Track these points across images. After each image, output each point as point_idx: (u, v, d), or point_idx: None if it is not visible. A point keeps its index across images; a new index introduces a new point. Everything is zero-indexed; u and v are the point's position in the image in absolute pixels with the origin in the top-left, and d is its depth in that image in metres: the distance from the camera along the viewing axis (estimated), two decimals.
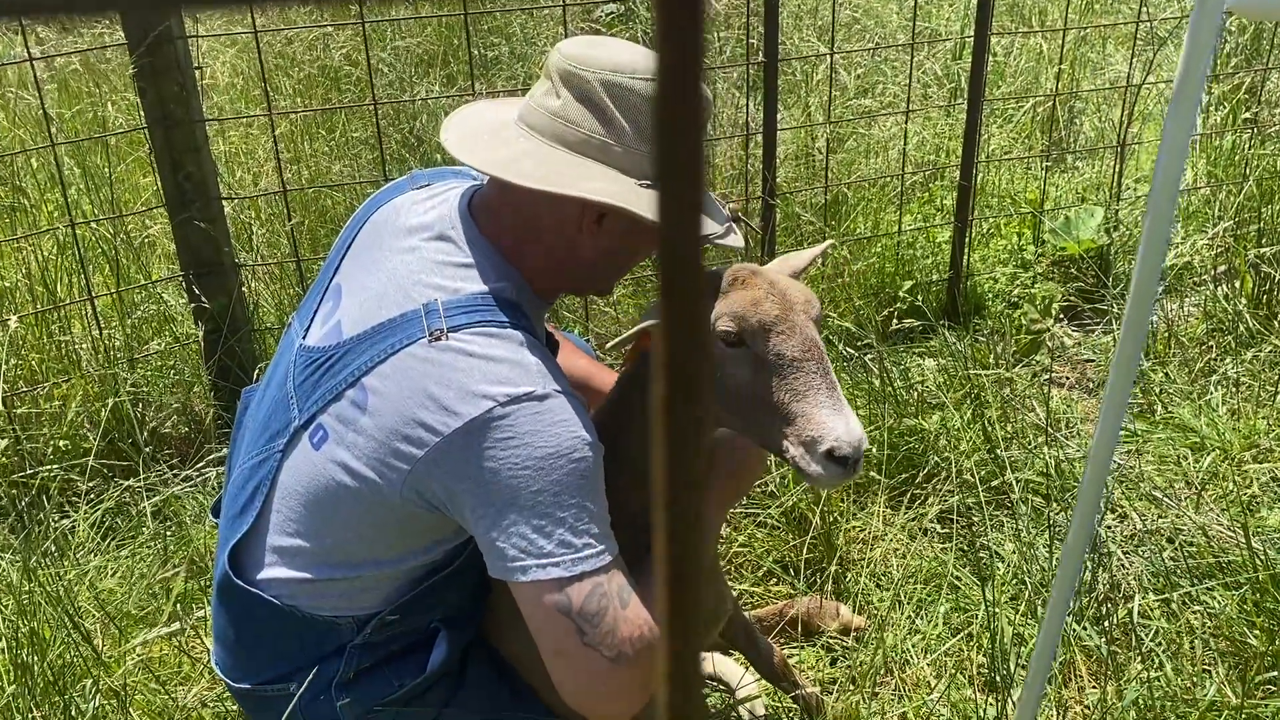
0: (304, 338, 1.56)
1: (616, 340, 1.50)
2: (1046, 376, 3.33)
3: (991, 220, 3.91)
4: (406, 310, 1.43)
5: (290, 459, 1.50)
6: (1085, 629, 2.26)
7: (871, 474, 2.69)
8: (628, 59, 1.46)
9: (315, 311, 1.59)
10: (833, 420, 1.39)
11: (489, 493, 1.37)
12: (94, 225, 3.28)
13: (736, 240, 1.55)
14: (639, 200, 1.42)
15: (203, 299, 2.93)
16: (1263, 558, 2.25)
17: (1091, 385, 3.38)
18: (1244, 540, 2.28)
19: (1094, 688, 2.17)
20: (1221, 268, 3.77)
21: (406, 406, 1.38)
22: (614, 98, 1.44)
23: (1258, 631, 2.14)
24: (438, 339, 1.38)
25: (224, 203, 2.98)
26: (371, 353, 1.42)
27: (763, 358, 1.44)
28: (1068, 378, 3.45)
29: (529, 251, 1.54)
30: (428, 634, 1.66)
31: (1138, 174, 4.39)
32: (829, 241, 1.90)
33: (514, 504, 1.36)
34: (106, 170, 3.29)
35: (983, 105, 3.47)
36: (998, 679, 2.15)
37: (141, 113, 2.82)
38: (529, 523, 1.36)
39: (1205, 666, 2.16)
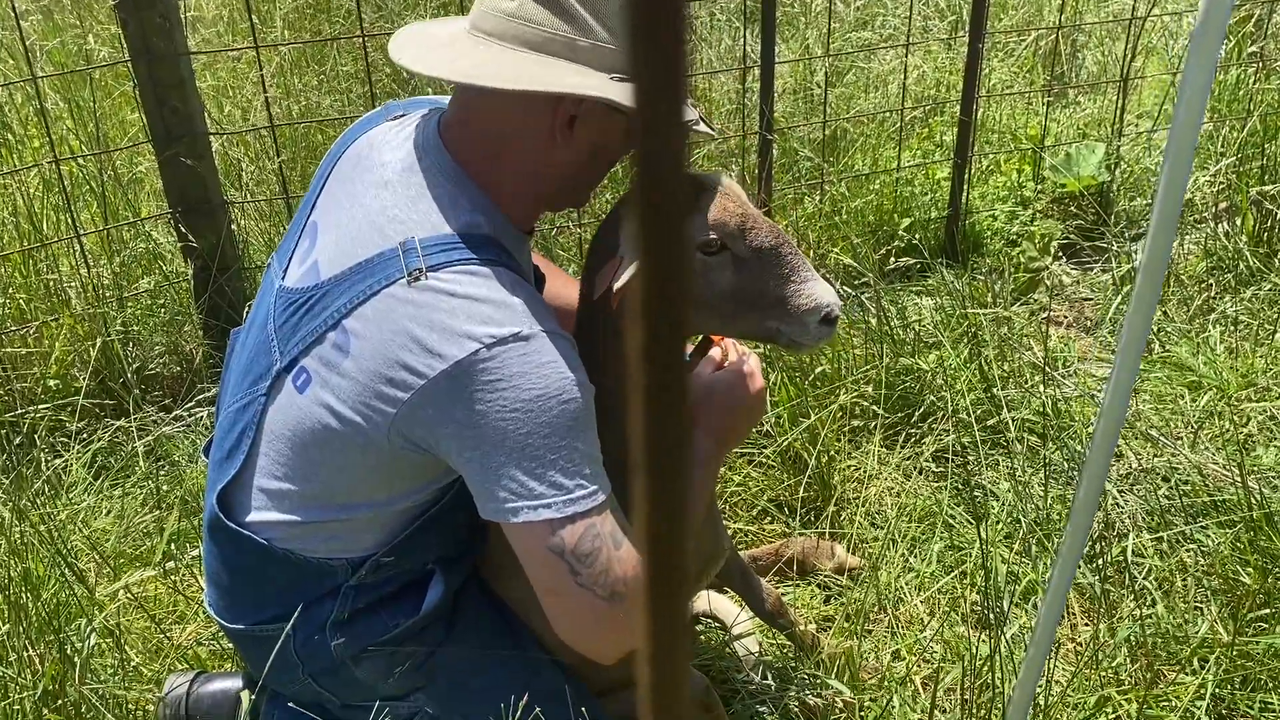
0: (283, 278, 1.52)
1: (606, 278, 1.47)
2: (1044, 315, 3.31)
3: (991, 157, 3.86)
4: (384, 249, 1.39)
5: (274, 402, 1.47)
6: (1080, 568, 2.26)
7: (871, 410, 2.68)
8: None
9: (293, 251, 1.55)
10: (819, 288, 1.50)
11: (477, 436, 1.35)
12: (80, 162, 3.22)
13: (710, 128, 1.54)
14: (616, 91, 1.37)
15: (191, 238, 2.89)
16: (1257, 496, 2.25)
17: (1089, 324, 3.36)
18: (1239, 479, 2.28)
19: (1087, 625, 2.18)
20: (1223, 205, 3.73)
21: (389, 349, 1.36)
22: None
23: (1250, 569, 2.15)
24: (418, 279, 1.35)
25: (211, 139, 2.93)
26: (351, 294, 1.39)
27: (742, 257, 1.50)
28: (1065, 316, 3.42)
29: (501, 173, 1.49)
30: (423, 574, 1.66)
31: (1139, 110, 4.33)
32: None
33: (503, 446, 1.34)
34: (92, 104, 3.23)
35: (984, 39, 3.40)
36: (991, 616, 2.16)
37: (124, 45, 2.75)
38: (519, 465, 1.35)
39: (1198, 604, 2.17)
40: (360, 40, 2.97)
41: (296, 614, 1.58)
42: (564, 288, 1.90)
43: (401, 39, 1.51)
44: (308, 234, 1.54)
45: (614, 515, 1.43)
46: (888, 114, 3.78)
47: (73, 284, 2.95)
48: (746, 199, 1.56)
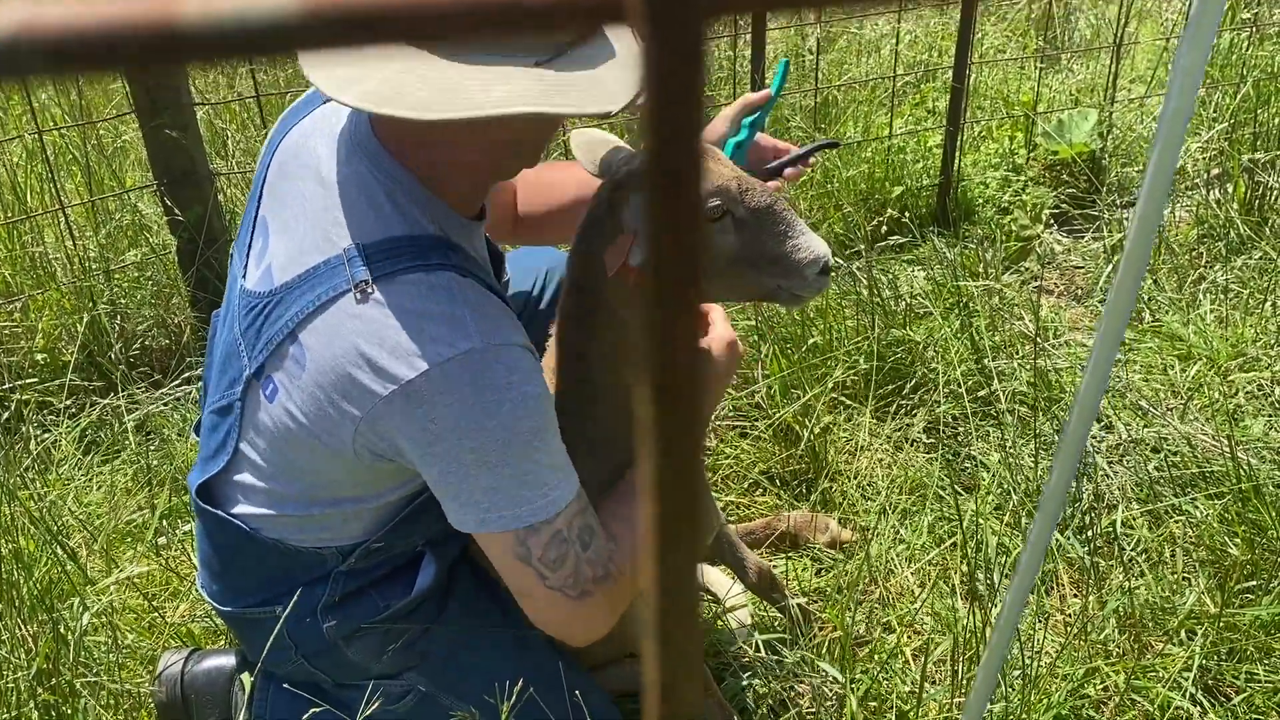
0: (244, 277, 1.50)
1: (619, 256, 1.45)
2: (1036, 284, 3.30)
3: (984, 124, 3.84)
4: (329, 256, 1.35)
5: (248, 406, 1.47)
6: (1069, 539, 2.28)
7: (862, 382, 2.68)
8: None
9: (249, 246, 1.52)
10: (813, 242, 1.52)
11: (436, 451, 1.34)
12: (63, 132, 3.18)
13: None
14: (546, 96, 1.25)
15: (177, 210, 2.86)
16: (1246, 468, 2.26)
17: (1080, 293, 3.36)
18: (1228, 450, 2.29)
19: (1076, 597, 2.20)
20: (1214, 171, 3.72)
21: (341, 365, 1.34)
22: None
23: (1239, 540, 2.16)
24: (365, 290, 1.33)
25: (196, 109, 2.89)
26: (300, 304, 1.37)
27: (742, 219, 1.51)
28: (1057, 285, 3.42)
29: (437, 161, 1.42)
30: (413, 556, 1.66)
31: (1133, 74, 4.30)
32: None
33: (462, 461, 1.34)
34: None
35: (977, 4, 3.37)
36: (981, 588, 2.18)
37: None
38: (480, 479, 1.35)
39: (1186, 574, 2.19)
40: None
41: (288, 598, 1.58)
42: (558, 173, 1.88)
43: None
44: (259, 231, 1.50)
45: (582, 515, 1.44)
46: (879, 80, 3.75)
47: (58, 257, 2.92)
48: (734, 162, 1.58)
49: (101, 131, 3.24)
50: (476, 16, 0.25)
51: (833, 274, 1.55)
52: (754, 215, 1.50)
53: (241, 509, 1.55)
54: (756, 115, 1.77)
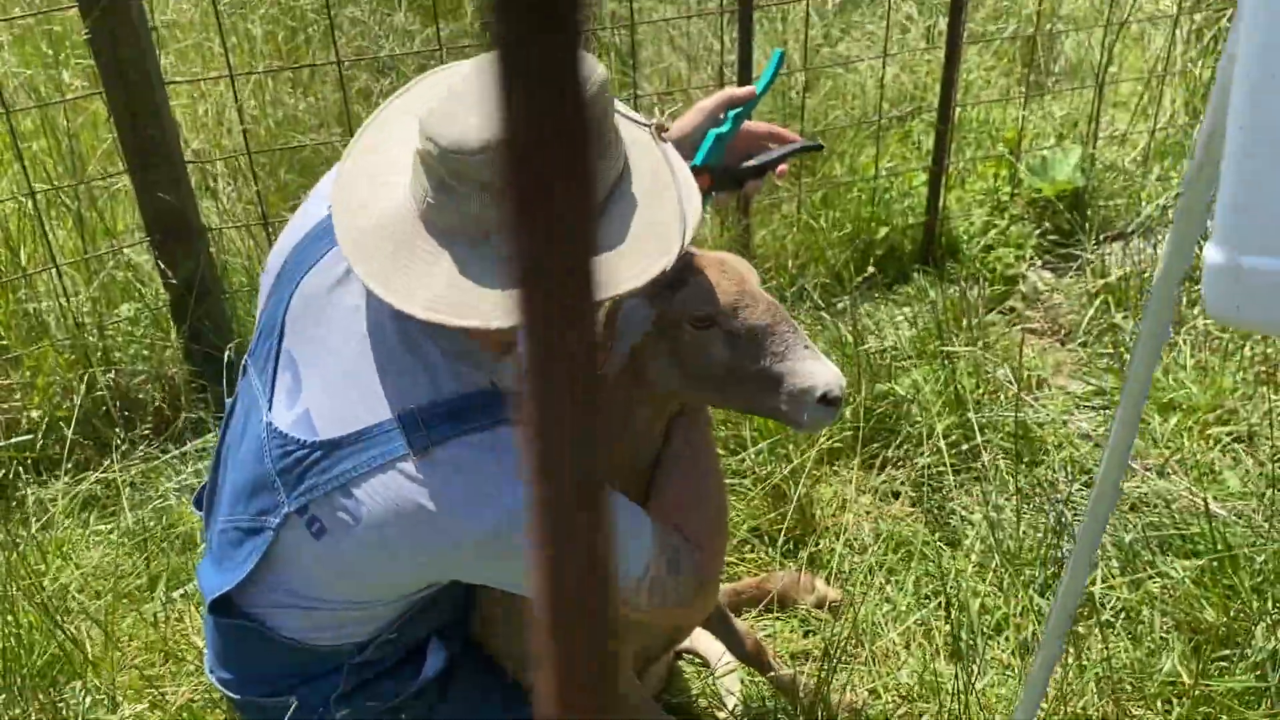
0: (269, 409, 1.49)
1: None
2: (1020, 327, 3.35)
3: (969, 157, 3.88)
4: (382, 420, 1.38)
5: (287, 536, 1.48)
6: (1049, 600, 2.33)
7: (850, 438, 2.72)
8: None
9: (274, 378, 1.52)
10: (817, 368, 1.50)
11: (513, 582, 1.48)
12: (55, 185, 3.20)
13: (693, 216, 1.39)
14: (626, 275, 1.30)
15: (169, 266, 2.89)
16: (1220, 530, 2.32)
17: (1064, 332, 3.41)
18: (1204, 510, 2.34)
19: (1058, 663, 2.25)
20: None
21: (403, 523, 1.38)
22: None
23: (1214, 604, 2.22)
24: (424, 454, 1.36)
25: (188, 160, 2.91)
26: (354, 461, 1.39)
27: (736, 333, 1.51)
28: (1040, 323, 3.47)
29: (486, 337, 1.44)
30: (421, 642, 1.71)
31: (1116, 99, 4.33)
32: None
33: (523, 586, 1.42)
34: (65, 126, 3.19)
35: (962, 46, 3.41)
36: (963, 648, 2.23)
37: (98, 75, 2.72)
38: None
39: (1164, 635, 2.24)
40: (337, 66, 2.95)
41: (301, 688, 1.63)
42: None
43: (341, 181, 1.40)
44: (285, 365, 1.50)
45: (663, 550, 1.53)
46: (864, 125, 3.79)
47: (50, 312, 2.94)
48: (750, 277, 1.57)
49: (93, 180, 3.26)
50: None
51: (845, 387, 1.52)
52: (750, 331, 1.50)
53: (260, 611, 1.58)
54: (741, 109, 1.67)
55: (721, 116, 1.66)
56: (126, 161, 2.81)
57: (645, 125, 1.43)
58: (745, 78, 3.30)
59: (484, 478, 1.37)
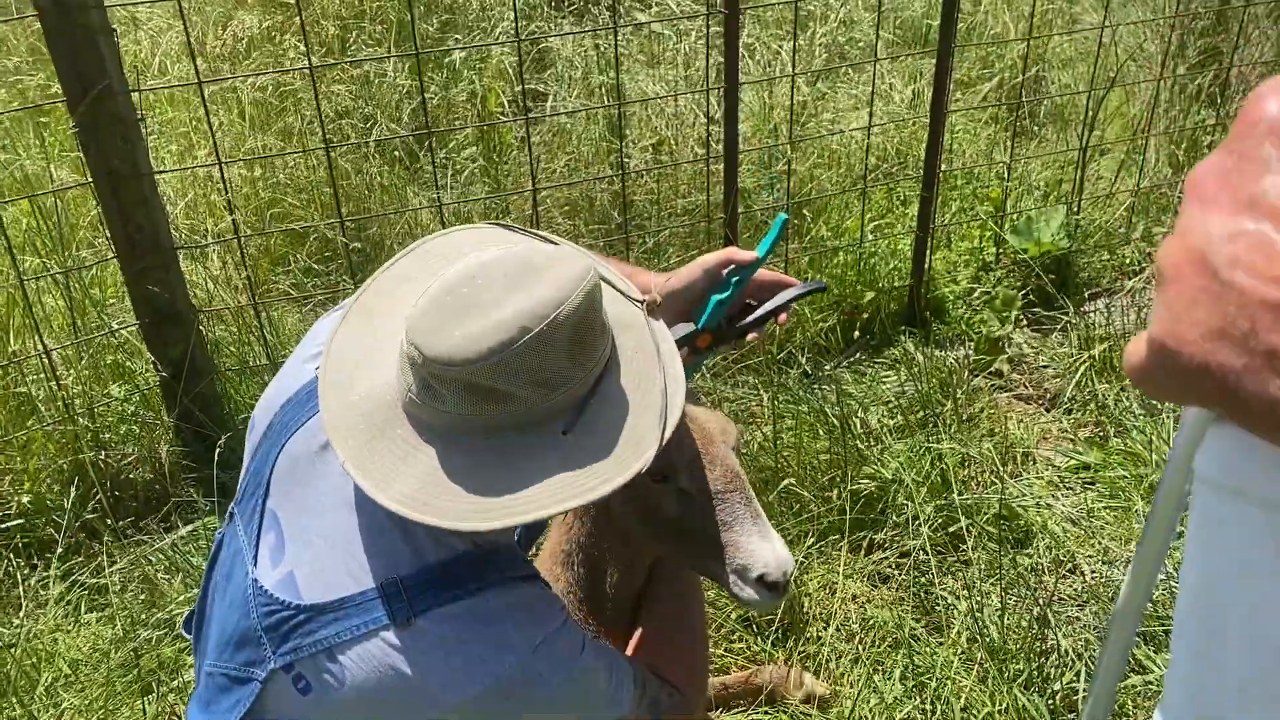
0: (254, 565, 1.51)
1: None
2: (1007, 394, 3.39)
3: (953, 214, 3.91)
4: (365, 589, 1.39)
5: (272, 689, 1.50)
6: (1031, 696, 2.36)
7: (837, 524, 2.75)
8: (490, 324, 1.25)
9: (259, 534, 1.54)
10: (761, 547, 1.45)
11: None
12: (46, 268, 3.20)
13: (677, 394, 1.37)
14: (593, 478, 1.30)
15: (159, 348, 2.90)
16: None
17: (1048, 396, 3.44)
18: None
19: None
20: None
21: (387, 692, 1.39)
22: (500, 377, 1.25)
23: None
24: (406, 625, 1.38)
25: (177, 246, 2.92)
26: (335, 629, 1.41)
27: (689, 491, 1.50)
28: (1026, 387, 3.50)
29: None
30: None
31: (1104, 143, 4.35)
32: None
33: None
34: (56, 212, 3.19)
35: (945, 117, 3.43)
36: None
37: (85, 168, 2.73)
38: None
39: None
40: (322, 144, 2.96)
41: None
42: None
43: (330, 367, 1.40)
44: (270, 523, 1.51)
45: (644, 695, 1.55)
46: (850, 191, 3.81)
47: (40, 395, 2.95)
48: (721, 438, 1.55)
49: (82, 260, 3.26)
50: None
51: (792, 570, 1.47)
52: (699, 494, 1.49)
53: None
54: (743, 274, 1.65)
55: (723, 275, 1.65)
56: (115, 250, 2.82)
57: (637, 303, 1.45)
58: (731, 147, 3.33)
59: (469, 646, 1.38)
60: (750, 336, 1.70)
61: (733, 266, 1.66)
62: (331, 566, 1.45)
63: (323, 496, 1.48)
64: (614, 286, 1.47)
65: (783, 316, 1.71)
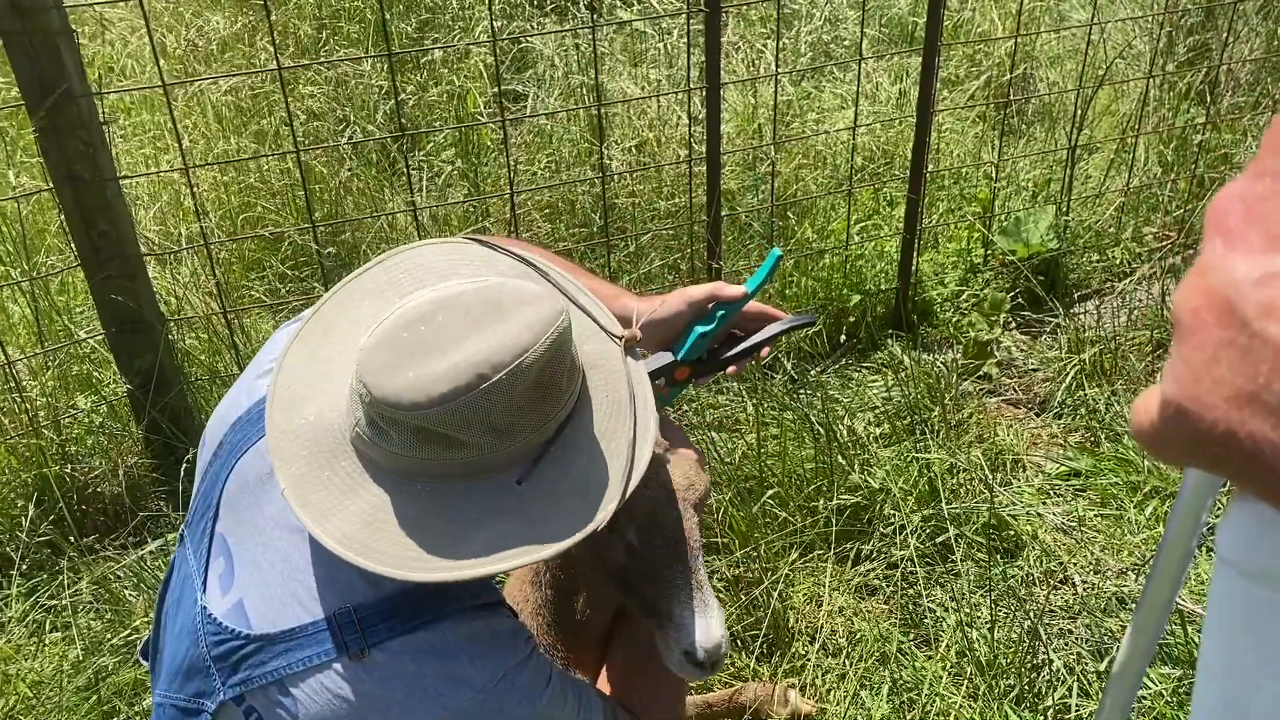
0: (204, 592, 1.45)
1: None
2: (996, 398, 3.32)
3: (941, 214, 3.85)
4: (316, 619, 1.33)
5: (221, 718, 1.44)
6: (1021, 712, 2.30)
7: (823, 536, 2.69)
8: (445, 368, 1.17)
9: (208, 560, 1.48)
10: (692, 622, 1.39)
11: None
12: (10, 276, 3.12)
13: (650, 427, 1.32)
14: (545, 528, 1.24)
15: (126, 358, 2.82)
16: (1198, 637, 2.29)
17: (1037, 400, 3.38)
18: (1180, 616, 2.32)
19: None
20: (1169, 260, 3.75)
21: None
22: (452, 424, 1.18)
23: (1188, 715, 2.19)
24: (359, 657, 1.31)
25: (144, 254, 2.84)
26: (286, 660, 1.34)
27: (634, 547, 1.44)
28: (1015, 390, 3.44)
29: None
30: None
31: (1091, 139, 4.30)
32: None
33: None
34: (19, 220, 3.11)
35: (932, 118, 3.37)
36: None
37: (46, 173, 2.65)
38: None
39: None
40: (295, 154, 2.88)
41: None
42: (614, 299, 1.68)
43: (278, 389, 1.32)
44: (219, 548, 1.44)
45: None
46: (836, 192, 3.75)
47: (4, 407, 2.87)
48: (683, 495, 1.47)
49: (45, 270, 3.18)
50: None
51: (724, 646, 1.40)
52: (645, 553, 1.43)
53: None
54: (729, 309, 1.58)
55: (709, 308, 1.58)
56: (80, 258, 2.74)
57: (616, 339, 1.38)
58: (714, 148, 3.26)
59: (424, 681, 1.32)
60: (730, 370, 1.63)
61: (719, 300, 1.59)
62: (282, 595, 1.38)
63: (274, 522, 1.41)
64: (592, 318, 1.40)
65: (765, 350, 1.64)
